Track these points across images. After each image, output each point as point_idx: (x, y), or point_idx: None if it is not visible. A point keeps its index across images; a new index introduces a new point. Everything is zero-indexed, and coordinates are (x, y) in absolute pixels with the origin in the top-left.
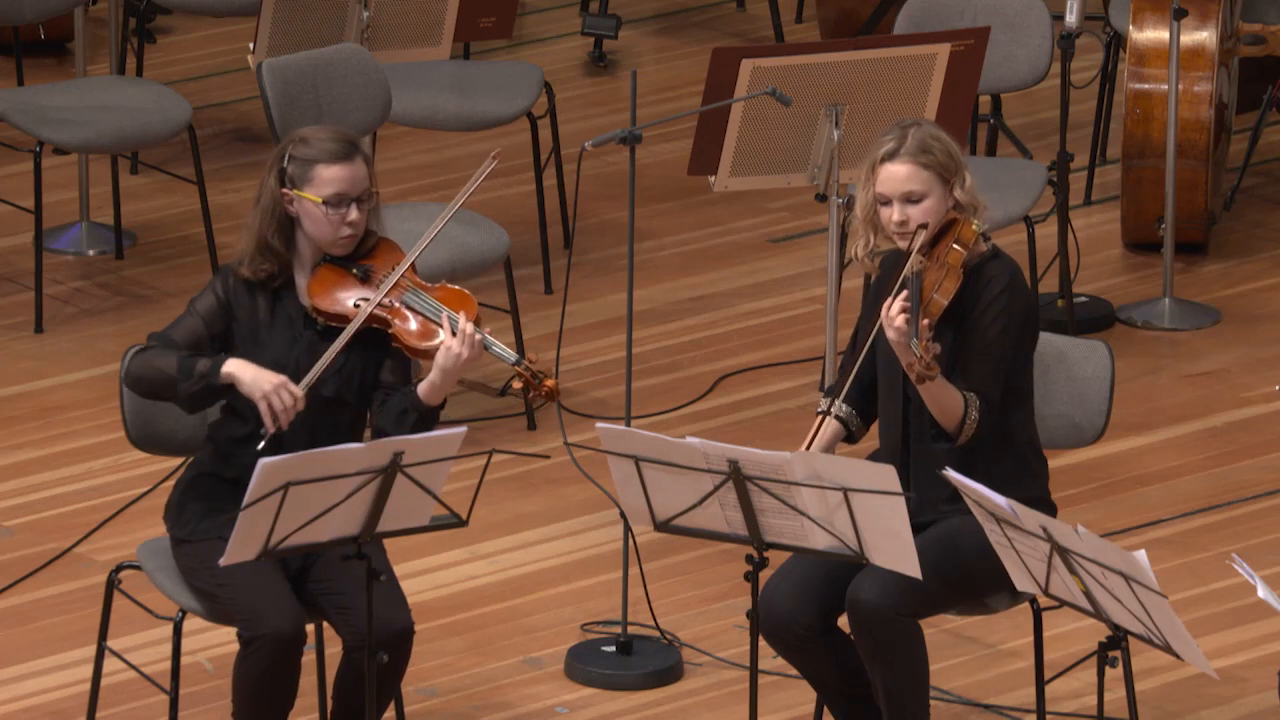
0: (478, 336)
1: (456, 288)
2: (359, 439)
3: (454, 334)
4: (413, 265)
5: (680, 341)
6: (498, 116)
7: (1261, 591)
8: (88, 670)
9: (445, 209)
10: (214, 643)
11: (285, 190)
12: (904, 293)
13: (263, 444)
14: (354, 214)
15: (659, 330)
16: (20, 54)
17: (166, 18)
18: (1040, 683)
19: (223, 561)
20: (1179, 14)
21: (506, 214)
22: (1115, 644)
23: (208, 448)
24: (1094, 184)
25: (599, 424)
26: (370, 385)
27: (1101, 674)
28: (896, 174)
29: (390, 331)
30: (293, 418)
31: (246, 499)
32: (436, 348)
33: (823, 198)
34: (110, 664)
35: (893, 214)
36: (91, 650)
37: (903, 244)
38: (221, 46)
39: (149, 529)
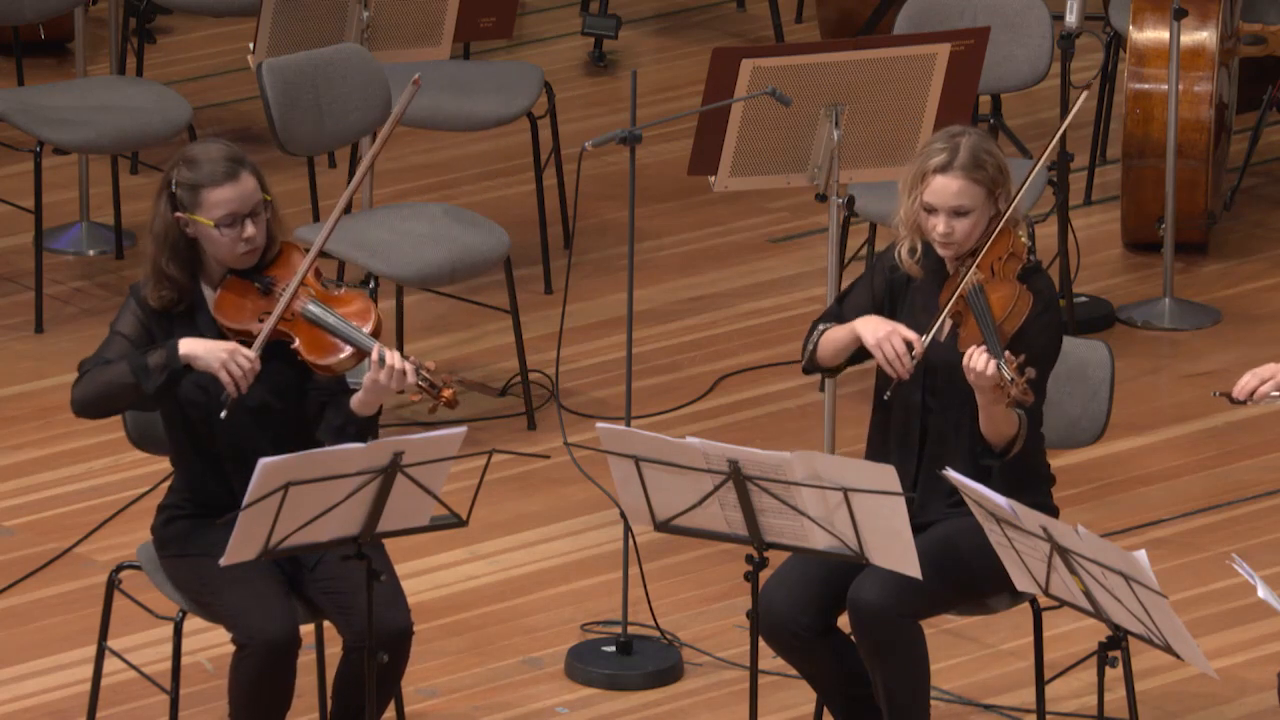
0: (402, 367)
1: (359, 294)
2: (306, 441)
3: (381, 365)
4: (316, 271)
5: (680, 341)
6: (498, 116)
7: (1261, 591)
8: (88, 670)
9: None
10: (214, 643)
11: (179, 215)
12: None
13: (224, 412)
14: (250, 229)
15: (659, 330)
16: (20, 54)
17: (166, 18)
18: (1040, 683)
19: (223, 561)
20: (1179, 14)
21: (506, 214)
22: (1115, 644)
23: (177, 476)
24: (1094, 184)
25: (599, 424)
26: (300, 388)
27: (1101, 674)
28: (948, 187)
29: (292, 348)
30: (251, 379)
31: (246, 499)
32: (339, 363)
33: (823, 198)
34: (110, 664)
35: (938, 224)
36: (91, 650)
37: (943, 252)
38: (221, 46)
39: (149, 529)
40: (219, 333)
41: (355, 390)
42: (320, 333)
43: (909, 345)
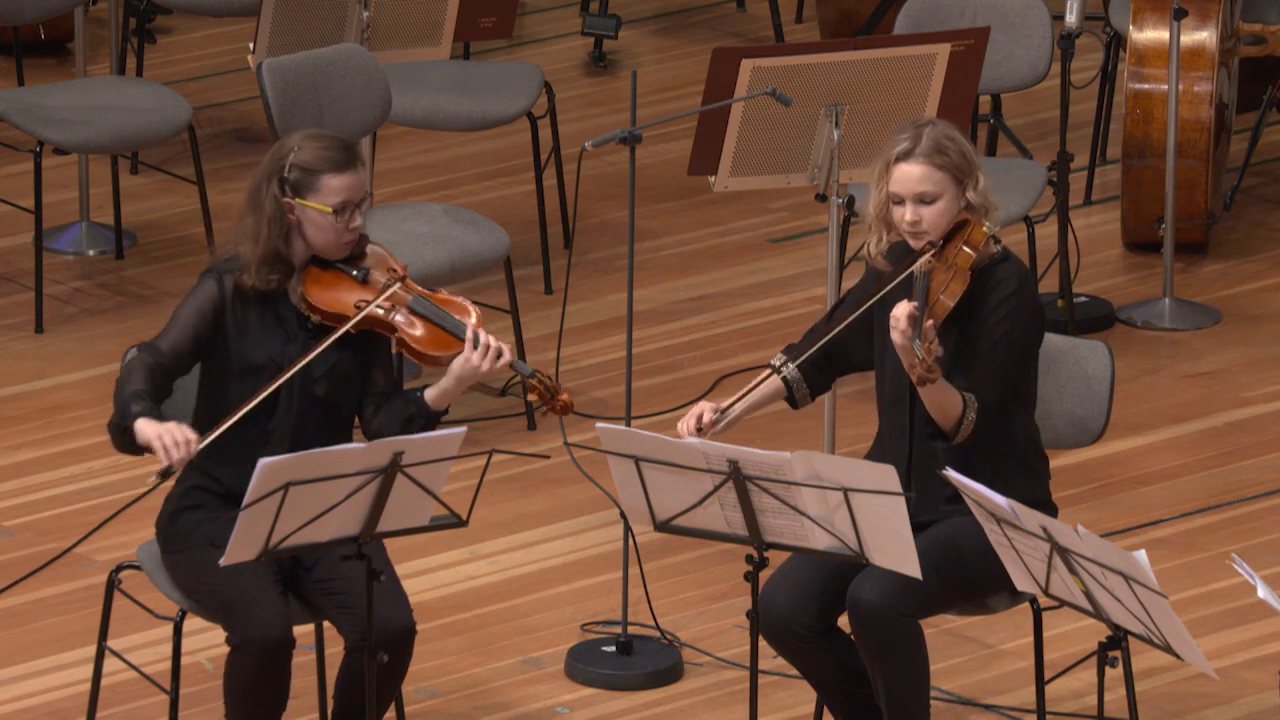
0: (501, 354)
1: (457, 298)
2: (348, 439)
3: (475, 346)
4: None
5: (680, 341)
6: (498, 116)
7: (1261, 591)
8: (88, 670)
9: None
10: (214, 643)
11: (288, 199)
12: (913, 296)
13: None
14: (357, 220)
15: (659, 330)
16: (20, 54)
17: (166, 18)
18: (1040, 683)
19: (223, 561)
20: (1179, 14)
21: (506, 214)
22: (1115, 644)
23: (194, 463)
24: (1094, 184)
25: (599, 424)
26: (359, 387)
27: (1101, 674)
28: (911, 174)
29: (396, 336)
30: (185, 457)
31: (246, 499)
32: (444, 355)
33: (823, 198)
34: (110, 664)
35: (905, 214)
36: (91, 650)
37: (915, 243)
38: (221, 46)
39: (149, 529)
40: (299, 319)
41: (410, 390)
42: (428, 324)
43: (715, 412)
